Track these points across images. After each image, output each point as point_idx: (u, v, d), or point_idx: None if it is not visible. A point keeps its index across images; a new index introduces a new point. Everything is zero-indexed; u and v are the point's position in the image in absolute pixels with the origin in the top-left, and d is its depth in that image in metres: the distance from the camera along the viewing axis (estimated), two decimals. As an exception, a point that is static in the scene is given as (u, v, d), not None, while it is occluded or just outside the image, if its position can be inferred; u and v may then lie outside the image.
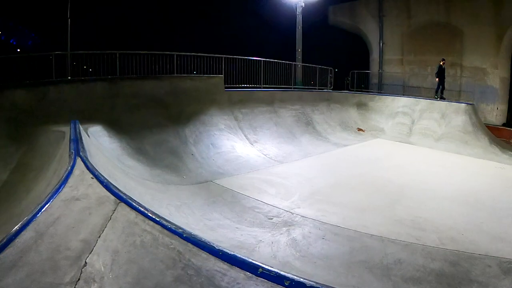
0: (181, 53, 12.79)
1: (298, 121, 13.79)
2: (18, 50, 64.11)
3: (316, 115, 15.07)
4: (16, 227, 2.03)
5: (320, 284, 1.54)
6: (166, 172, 8.49)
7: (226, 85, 13.04)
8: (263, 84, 15.11)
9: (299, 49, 18.96)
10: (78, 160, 3.51)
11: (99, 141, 7.87)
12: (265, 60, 15.27)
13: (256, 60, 15.01)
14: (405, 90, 21.35)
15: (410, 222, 6.26)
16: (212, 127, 11.16)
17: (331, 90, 18.61)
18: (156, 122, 10.10)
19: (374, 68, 23.57)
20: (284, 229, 5.75)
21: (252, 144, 11.36)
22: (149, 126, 9.89)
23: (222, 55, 13.64)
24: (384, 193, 7.89)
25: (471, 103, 14.85)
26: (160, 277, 1.55)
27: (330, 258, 4.75)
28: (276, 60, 15.94)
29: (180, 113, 10.80)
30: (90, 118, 8.78)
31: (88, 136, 7.11)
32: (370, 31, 24.00)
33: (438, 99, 16.00)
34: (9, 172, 7.55)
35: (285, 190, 7.82)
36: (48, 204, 2.26)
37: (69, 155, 3.74)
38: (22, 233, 1.96)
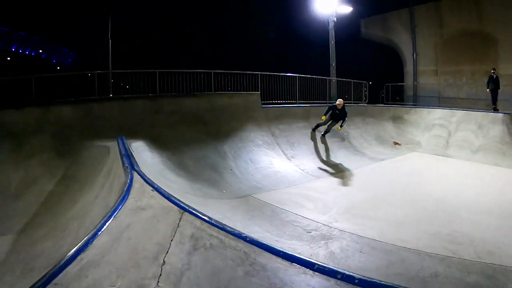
0: (218, 71, 13.23)
1: (334, 136, 13.89)
2: (58, 68, 66.77)
3: (352, 129, 15.16)
4: (89, 234, 2.34)
5: (367, 277, 1.79)
6: (206, 186, 8.79)
7: (262, 102, 13.43)
8: (298, 100, 15.38)
9: (333, 63, 19.05)
10: (135, 174, 3.82)
11: (141, 156, 8.27)
12: (300, 76, 15.53)
13: (291, 76, 15.30)
14: (441, 101, 20.92)
15: (446, 235, 6.31)
16: (250, 143, 11.49)
17: (366, 104, 18.67)
18: (195, 138, 10.49)
19: (408, 80, 23.24)
20: (322, 242, 5.93)
21: (289, 160, 11.58)
22: (189, 141, 10.29)
23: (258, 72, 14.02)
24: (421, 207, 7.94)
25: (508, 112, 14.45)
26: (232, 272, 1.83)
27: (368, 271, 4.88)
28: (311, 76, 16.16)
29: (218, 129, 11.20)
30: (132, 133, 9.21)
31: (132, 151, 7.50)
32: (403, 42, 23.76)
33: (493, 111, 15.60)
34: (54, 183, 8.18)
35: (322, 205, 7.99)
36: (116, 213, 2.57)
37: (125, 169, 4.06)
38: (97, 237, 2.28)
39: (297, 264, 1.87)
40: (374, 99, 20.61)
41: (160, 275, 1.73)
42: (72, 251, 2.00)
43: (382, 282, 1.77)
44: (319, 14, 19.80)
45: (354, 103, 18.18)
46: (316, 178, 10.47)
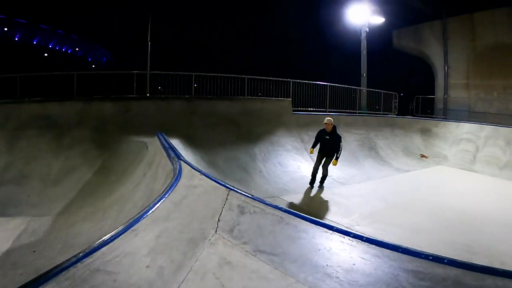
0: (252, 77, 13.64)
1: (362, 145, 14.07)
2: (93, 66, 68.65)
3: (379, 140, 15.25)
4: (153, 201, 2.74)
5: (372, 237, 2.17)
6: (236, 185, 9.12)
7: (293, 108, 13.72)
8: (328, 108, 15.60)
9: (364, 74, 19.19)
10: (182, 162, 4.21)
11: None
12: (331, 85, 15.77)
13: (322, 84, 15.57)
14: (471, 115, 20.61)
15: (462, 245, 6.40)
16: (280, 147, 11.81)
17: (395, 116, 18.65)
18: (228, 139, 10.91)
19: (439, 93, 22.92)
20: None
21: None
22: (221, 142, 10.71)
23: (290, 80, 14.36)
24: (441, 218, 8.06)
25: (536, 128, 14.12)
26: (272, 227, 2.22)
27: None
28: (341, 85, 16.37)
29: (250, 133, 11.59)
30: (168, 132, 9.52)
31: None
32: (435, 54, 23.36)
33: None
34: (92, 173, 8.78)
35: (345, 209, 8.23)
36: (174, 188, 2.96)
37: (172, 159, 4.45)
38: (161, 202, 2.69)
39: (320, 226, 2.26)
40: (404, 111, 20.58)
41: (217, 227, 2.13)
42: (143, 211, 2.42)
43: (384, 241, 2.12)
44: (351, 24, 20.01)
45: (383, 114, 18.26)
46: (341, 184, 10.68)
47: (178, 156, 4.67)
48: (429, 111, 20.63)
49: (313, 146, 10.17)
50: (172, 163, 3.86)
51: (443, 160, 15.38)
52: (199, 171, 3.55)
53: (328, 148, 9.91)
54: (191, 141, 9.99)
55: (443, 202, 9.41)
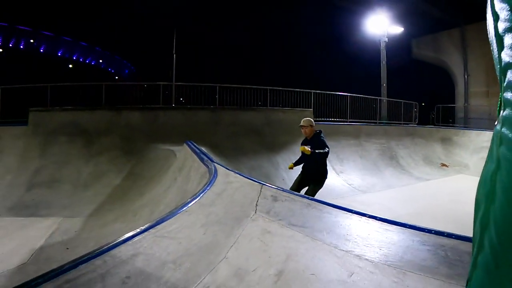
0: (274, 88, 14.06)
1: (383, 154, 14.21)
2: (116, 77, 70.30)
3: (400, 149, 15.33)
4: (198, 191, 3.11)
5: (384, 218, 2.55)
6: (261, 191, 9.47)
7: (315, 118, 13.88)
8: (349, 118, 15.87)
9: (384, 84, 19.34)
10: (216, 164, 4.59)
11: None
12: (352, 95, 16.04)
13: (343, 95, 15.86)
14: (492, 124, 20.36)
15: None
16: None
17: (415, 125, 18.67)
18: (252, 148, 11.22)
19: (459, 101, 22.76)
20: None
21: (338, 174, 12.03)
22: (245, 152, 11.04)
23: (311, 90, 14.70)
24: (460, 224, 8.10)
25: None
26: (301, 210, 2.54)
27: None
28: (361, 95, 16.61)
29: (273, 142, 11.86)
30: (194, 141, 9.96)
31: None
32: (454, 63, 23.26)
33: None
34: (121, 178, 9.17)
35: (366, 215, 8.48)
36: (213, 183, 3.31)
37: (205, 162, 4.84)
38: (206, 192, 3.04)
39: (341, 209, 2.63)
40: (424, 120, 20.61)
41: (256, 209, 2.48)
42: (190, 198, 2.83)
43: (395, 220, 2.50)
44: (371, 34, 20.26)
45: (404, 124, 18.34)
46: (362, 192, 10.86)
47: (211, 159, 5.07)
48: (450, 120, 20.65)
49: (295, 162, 7.34)
50: (207, 165, 4.22)
51: (464, 168, 15.36)
52: (233, 171, 3.93)
53: (309, 165, 6.88)
54: (215, 150, 10.30)
55: (463, 209, 9.44)
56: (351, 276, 1.50)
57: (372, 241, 1.93)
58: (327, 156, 6.78)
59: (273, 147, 11.71)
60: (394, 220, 2.40)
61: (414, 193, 11.29)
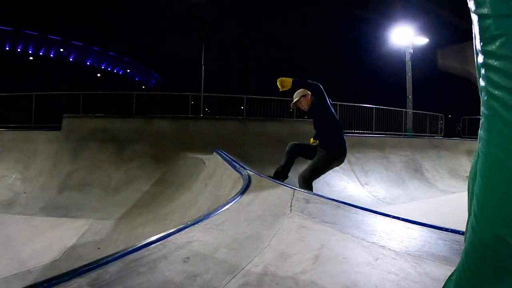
0: (300, 100, 14.33)
1: (407, 167, 14.24)
2: (143, 87, 71.92)
3: (425, 162, 15.30)
4: (236, 194, 3.33)
5: (398, 215, 2.81)
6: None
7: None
8: (374, 130, 16.04)
9: (409, 95, 19.35)
10: (248, 171, 4.82)
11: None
12: (377, 107, 16.16)
13: (368, 107, 16.00)
14: None
15: None
16: None
17: (441, 137, 18.60)
18: (279, 159, 11.44)
19: None
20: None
21: (362, 186, 12.15)
22: (272, 162, 11.18)
23: (337, 102, 14.88)
24: None
25: None
26: (331, 211, 2.76)
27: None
28: (387, 107, 16.70)
29: None
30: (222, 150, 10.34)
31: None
32: None
33: None
34: (150, 184, 9.52)
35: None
36: (249, 187, 3.55)
37: (238, 168, 5.07)
38: (243, 196, 3.27)
39: (368, 211, 2.85)
40: (450, 132, 20.47)
41: (291, 209, 2.74)
42: (230, 199, 3.10)
43: (416, 220, 2.72)
44: (395, 45, 20.35)
45: (429, 136, 18.31)
46: (386, 204, 10.89)
47: (244, 167, 5.33)
48: (478, 132, 20.40)
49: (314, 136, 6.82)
50: (240, 172, 4.49)
51: (490, 181, 15.17)
52: (266, 177, 4.21)
53: (320, 132, 6.37)
54: (243, 160, 10.44)
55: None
56: (376, 260, 1.78)
57: (395, 236, 2.19)
58: (327, 110, 5.80)
59: (299, 157, 11.83)
60: (416, 220, 2.65)
61: (438, 205, 11.23)
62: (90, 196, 9.09)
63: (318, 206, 2.79)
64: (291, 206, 2.75)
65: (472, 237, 1.09)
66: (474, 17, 1.07)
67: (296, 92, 6.14)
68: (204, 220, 2.33)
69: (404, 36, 19.83)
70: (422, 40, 20.35)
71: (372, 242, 2.00)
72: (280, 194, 3.18)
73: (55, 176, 9.86)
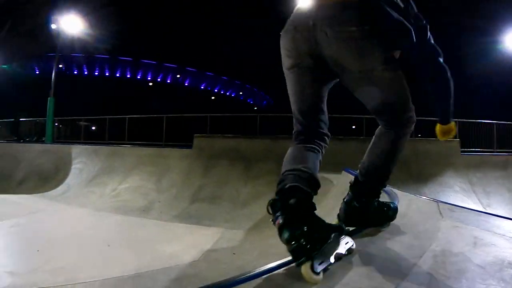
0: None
1: (532, 186, 13.25)
2: (255, 108, 74.80)
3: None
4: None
5: None
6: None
7: (461, 149, 13.81)
8: (496, 149, 15.45)
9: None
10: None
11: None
12: (498, 123, 15.72)
13: (489, 122, 15.73)
14: None
15: None
16: (448, 188, 12.09)
17: None
18: (399, 178, 11.26)
19: None
20: None
21: (484, 208, 11.63)
22: (393, 182, 11.49)
23: (455, 119, 14.66)
24: None
25: None
26: (474, 217, 3.11)
27: None
28: (510, 123, 15.99)
29: (420, 173, 12.18)
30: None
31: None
32: None
33: None
34: (241, 191, 10.72)
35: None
36: (398, 202, 3.90)
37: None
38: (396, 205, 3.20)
39: (502, 218, 3.12)
40: None
41: (442, 215, 3.09)
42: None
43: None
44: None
45: None
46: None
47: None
48: None
49: None
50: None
51: None
52: (406, 192, 4.79)
53: None
54: None
55: None
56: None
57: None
58: None
59: (420, 177, 12.08)
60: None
61: None
62: (220, 208, 9.99)
63: (463, 213, 3.29)
64: (440, 213, 3.34)
65: None
66: None
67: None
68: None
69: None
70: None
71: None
72: (426, 205, 3.57)
73: (187, 188, 11.05)
